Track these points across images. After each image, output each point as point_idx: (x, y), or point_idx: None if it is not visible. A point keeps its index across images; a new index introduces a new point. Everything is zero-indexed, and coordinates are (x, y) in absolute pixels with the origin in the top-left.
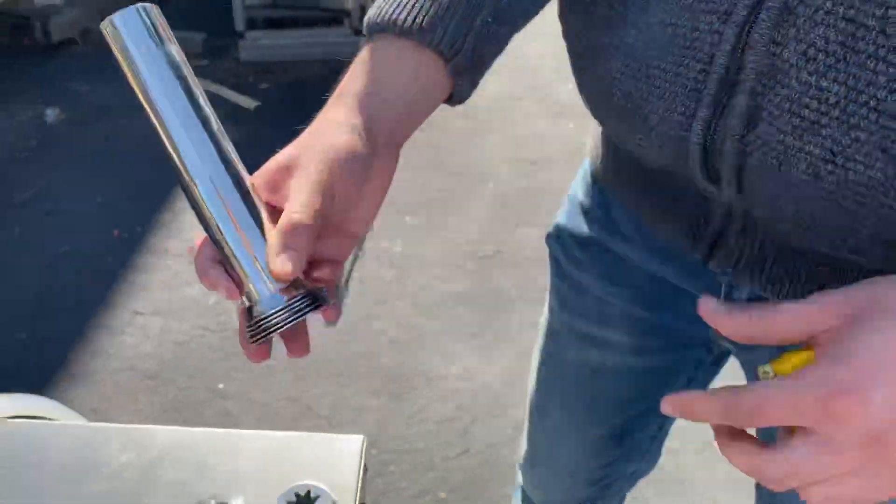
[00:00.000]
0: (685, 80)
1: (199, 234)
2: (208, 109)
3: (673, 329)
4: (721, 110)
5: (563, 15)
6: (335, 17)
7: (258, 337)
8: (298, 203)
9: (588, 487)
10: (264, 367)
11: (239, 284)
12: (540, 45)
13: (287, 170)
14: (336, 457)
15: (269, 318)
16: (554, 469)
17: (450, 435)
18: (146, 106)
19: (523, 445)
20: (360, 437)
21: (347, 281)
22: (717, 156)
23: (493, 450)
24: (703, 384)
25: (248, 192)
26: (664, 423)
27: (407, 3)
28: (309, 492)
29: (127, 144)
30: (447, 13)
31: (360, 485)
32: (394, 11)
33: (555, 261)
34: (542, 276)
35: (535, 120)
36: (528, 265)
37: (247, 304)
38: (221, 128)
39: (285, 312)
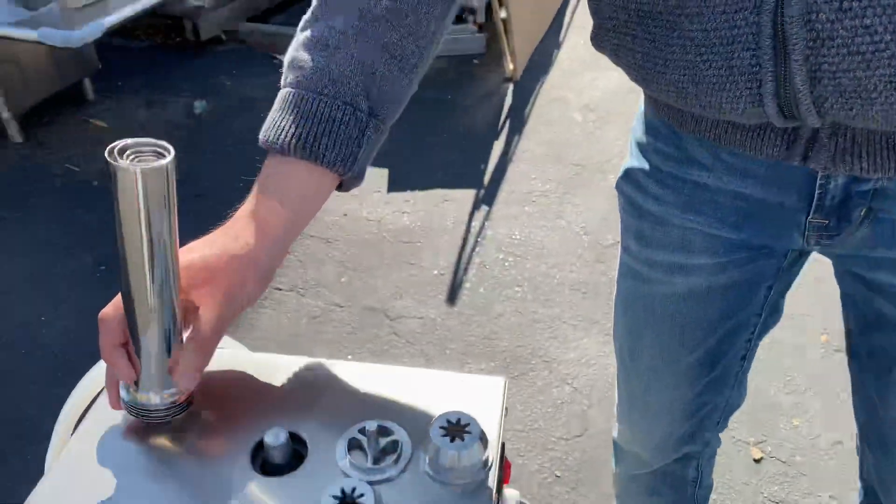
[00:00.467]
0: (741, 69)
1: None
2: (176, 238)
3: (755, 243)
4: (783, 79)
5: (603, 46)
6: (459, 15)
7: (135, 415)
8: (209, 326)
9: (685, 423)
10: (390, 341)
11: (137, 372)
12: None
13: (203, 278)
14: (480, 395)
15: (152, 413)
16: (651, 409)
17: (567, 417)
18: (131, 240)
19: (617, 400)
20: (502, 378)
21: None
22: (795, 109)
23: (608, 434)
24: (783, 290)
25: (175, 302)
26: (751, 340)
27: (302, 125)
28: (460, 419)
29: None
30: (339, 136)
31: (501, 423)
32: (293, 134)
33: (630, 202)
34: None
35: None
36: None
37: (134, 385)
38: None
39: (165, 414)
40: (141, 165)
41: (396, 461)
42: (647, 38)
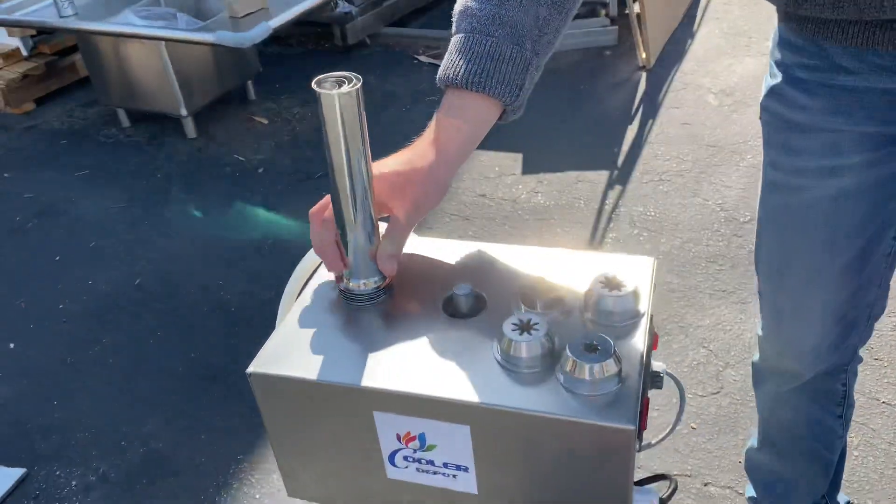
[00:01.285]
0: None
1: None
2: (368, 147)
3: None
4: None
5: None
6: (592, 9)
7: (347, 300)
8: (402, 222)
9: (835, 327)
10: None
11: (346, 265)
12: None
13: (395, 186)
14: (631, 271)
15: (359, 297)
16: (803, 318)
17: (702, 376)
18: (336, 152)
19: (761, 321)
20: (652, 258)
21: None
22: None
23: (744, 392)
24: None
25: (370, 198)
26: None
27: (475, 62)
28: (616, 276)
29: (410, 126)
30: (507, 71)
31: (651, 293)
32: (467, 70)
33: (776, 117)
34: None
35: None
36: None
37: (345, 276)
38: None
39: (371, 298)
40: (337, 90)
41: (562, 310)
42: None
